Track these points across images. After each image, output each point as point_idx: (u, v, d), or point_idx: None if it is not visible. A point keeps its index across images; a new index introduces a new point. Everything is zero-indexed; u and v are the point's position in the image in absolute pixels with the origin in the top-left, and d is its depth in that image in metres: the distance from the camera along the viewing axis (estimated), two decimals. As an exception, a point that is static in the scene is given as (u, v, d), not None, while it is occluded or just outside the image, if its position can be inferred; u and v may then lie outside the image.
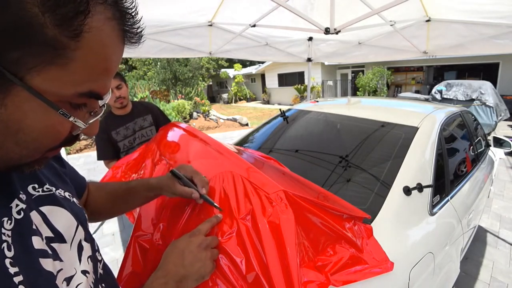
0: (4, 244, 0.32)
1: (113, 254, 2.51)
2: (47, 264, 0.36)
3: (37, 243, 0.37)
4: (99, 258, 0.51)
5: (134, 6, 0.36)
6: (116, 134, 1.81)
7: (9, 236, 0.33)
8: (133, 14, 0.35)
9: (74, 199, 0.50)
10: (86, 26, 0.29)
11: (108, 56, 0.33)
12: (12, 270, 0.31)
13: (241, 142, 1.86)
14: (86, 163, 5.77)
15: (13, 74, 0.28)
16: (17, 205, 0.37)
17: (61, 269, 0.39)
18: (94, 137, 1.66)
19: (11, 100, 0.29)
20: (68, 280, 0.39)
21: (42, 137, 0.33)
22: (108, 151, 1.82)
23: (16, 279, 0.31)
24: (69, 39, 0.29)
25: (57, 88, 0.31)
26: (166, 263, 0.55)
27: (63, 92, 0.31)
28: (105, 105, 0.40)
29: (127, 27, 0.35)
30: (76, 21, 0.28)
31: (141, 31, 0.37)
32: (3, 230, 0.33)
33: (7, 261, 0.31)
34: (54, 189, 0.46)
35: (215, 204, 0.70)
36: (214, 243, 0.61)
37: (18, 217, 0.36)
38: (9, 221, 0.34)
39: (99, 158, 1.84)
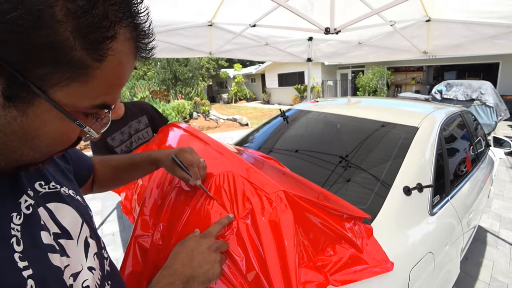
0: (13, 239, 0.33)
1: (113, 254, 2.51)
2: (55, 259, 0.37)
3: (46, 238, 0.37)
4: (105, 255, 0.51)
5: (150, 25, 0.37)
6: (112, 140, 1.75)
7: (18, 231, 0.34)
8: (147, 32, 0.37)
9: (78, 197, 0.51)
10: (110, 50, 0.32)
11: (123, 73, 0.36)
12: (21, 264, 0.31)
13: (241, 142, 1.86)
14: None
15: (38, 88, 0.30)
16: (25, 201, 0.38)
17: (68, 265, 0.39)
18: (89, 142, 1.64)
19: (33, 110, 0.31)
20: (75, 276, 0.40)
21: (54, 143, 0.36)
22: None
23: (25, 273, 0.31)
24: (94, 61, 0.31)
25: (75, 101, 0.33)
26: (173, 262, 0.54)
27: (80, 104, 0.34)
28: (110, 111, 0.42)
29: (142, 44, 0.37)
30: (103, 45, 0.31)
31: (153, 48, 0.39)
32: (12, 225, 0.34)
33: (16, 256, 0.32)
34: (59, 186, 0.47)
35: (208, 192, 0.74)
36: (224, 247, 0.60)
37: (27, 212, 0.37)
38: (18, 216, 0.35)
39: None
